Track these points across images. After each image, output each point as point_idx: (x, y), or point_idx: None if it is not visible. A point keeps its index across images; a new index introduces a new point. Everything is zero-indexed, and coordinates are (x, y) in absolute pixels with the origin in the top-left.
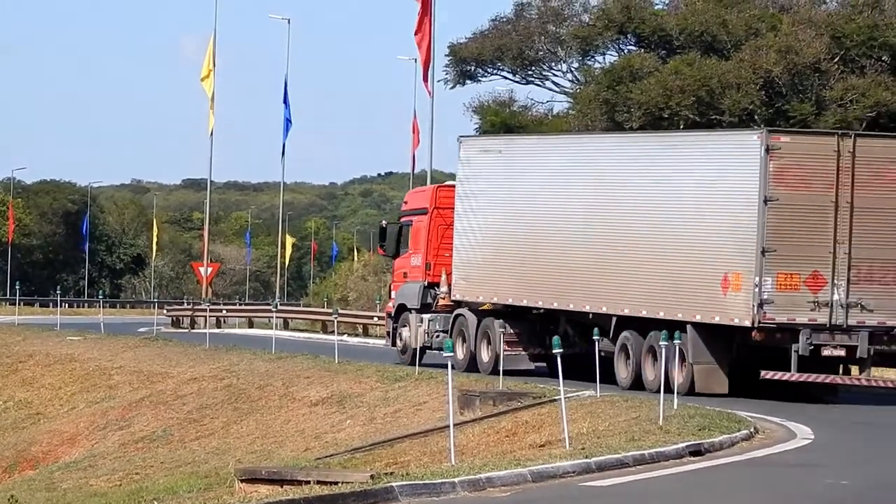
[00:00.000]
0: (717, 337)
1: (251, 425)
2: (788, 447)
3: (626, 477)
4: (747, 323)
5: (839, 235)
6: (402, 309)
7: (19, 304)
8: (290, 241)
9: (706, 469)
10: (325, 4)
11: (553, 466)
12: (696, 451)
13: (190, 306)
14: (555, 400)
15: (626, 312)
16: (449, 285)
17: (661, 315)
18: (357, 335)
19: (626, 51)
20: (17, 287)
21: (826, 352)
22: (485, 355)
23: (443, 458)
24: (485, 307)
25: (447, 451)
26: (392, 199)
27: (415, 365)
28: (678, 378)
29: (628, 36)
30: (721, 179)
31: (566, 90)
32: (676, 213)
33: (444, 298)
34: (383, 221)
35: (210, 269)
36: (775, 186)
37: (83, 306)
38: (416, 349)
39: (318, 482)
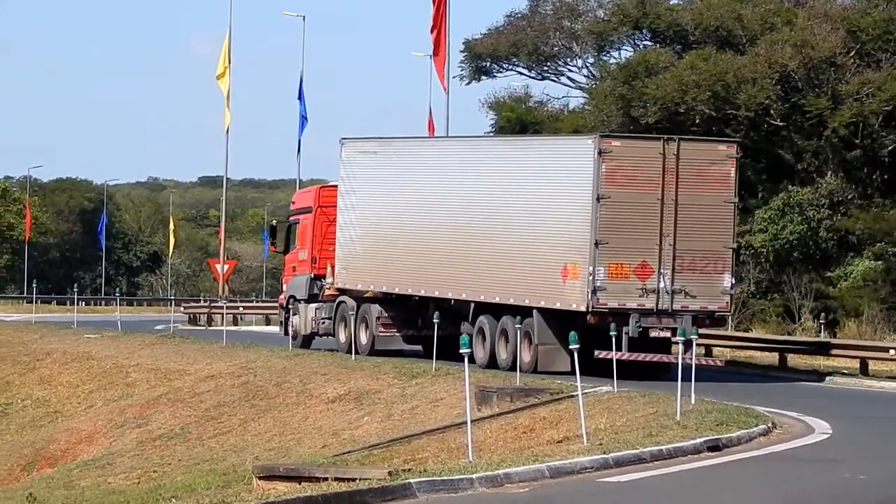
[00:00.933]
0: (559, 321)
1: (269, 422)
2: (806, 442)
3: (644, 472)
4: (583, 308)
5: (665, 229)
6: (292, 299)
7: (36, 303)
8: None
9: (724, 464)
10: (340, 1)
11: (571, 462)
12: (714, 447)
13: (207, 303)
14: (572, 396)
15: (483, 299)
16: (333, 276)
17: (511, 301)
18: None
19: (641, 46)
20: (34, 285)
21: (653, 333)
22: (363, 337)
23: (460, 454)
24: (367, 294)
25: (465, 447)
26: None
27: (307, 347)
28: (525, 357)
29: (644, 31)
30: (561, 179)
31: (582, 86)
32: (523, 210)
33: (329, 288)
34: (273, 221)
35: (227, 267)
36: (607, 185)
37: (100, 304)
38: (305, 335)
39: (336, 479)
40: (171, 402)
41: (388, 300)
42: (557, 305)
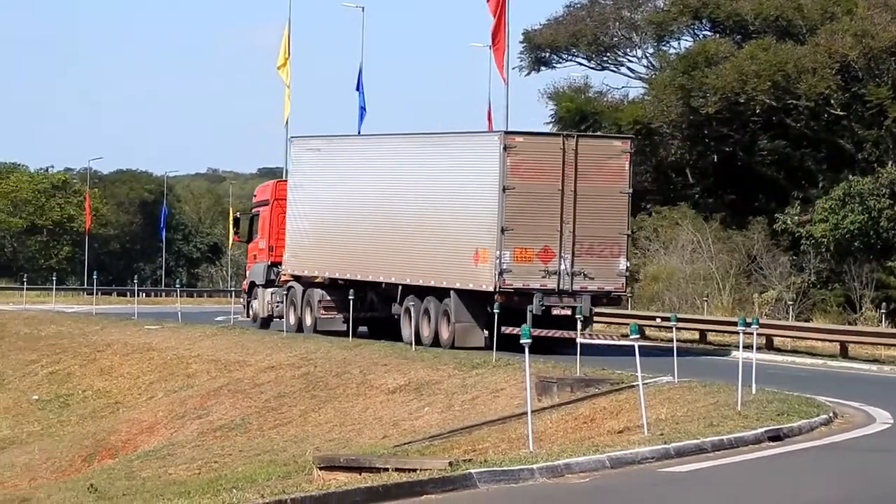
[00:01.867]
0: (473, 301)
1: (329, 413)
2: (867, 431)
3: (705, 463)
4: (491, 288)
5: (565, 217)
6: (252, 285)
7: (97, 294)
8: None
9: (785, 454)
10: None
11: (631, 452)
12: (775, 437)
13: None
14: (633, 386)
15: (409, 282)
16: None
17: (432, 283)
18: None
19: (701, 36)
20: (94, 277)
21: (555, 311)
22: (308, 319)
23: (521, 444)
24: (317, 279)
25: (525, 437)
26: None
27: (266, 328)
28: (444, 334)
29: (703, 21)
30: (472, 172)
31: (641, 76)
32: (441, 200)
33: (284, 275)
34: (237, 213)
35: None
36: (512, 177)
37: (160, 295)
38: (263, 317)
39: (397, 469)
40: (232, 393)
41: (330, 285)
42: (470, 286)
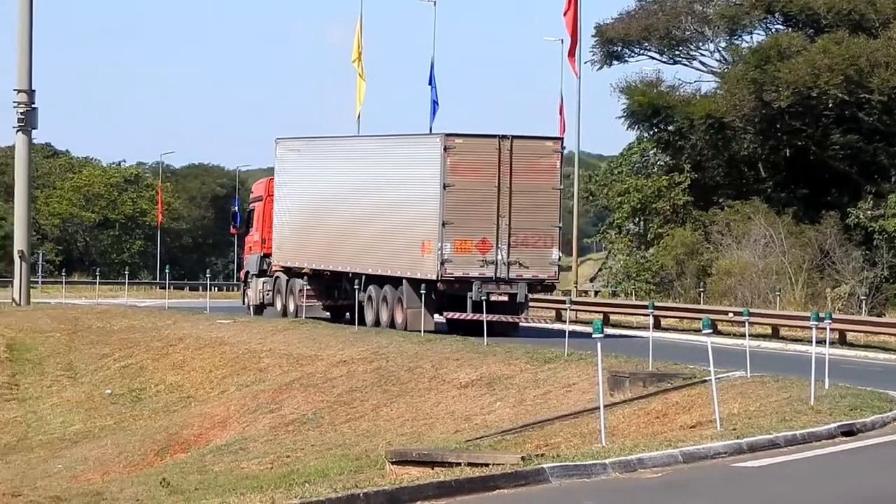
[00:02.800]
0: (420, 288)
1: (401, 408)
2: None
3: (778, 458)
4: (434, 277)
5: (501, 211)
6: (247, 274)
7: (169, 288)
8: None
9: (858, 449)
10: None
11: (704, 447)
12: (849, 432)
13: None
14: (705, 381)
15: (370, 272)
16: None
17: (388, 273)
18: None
19: (773, 30)
20: (166, 271)
21: (494, 297)
22: (291, 306)
23: (593, 439)
24: (304, 271)
25: (597, 432)
26: None
27: (260, 314)
28: (398, 318)
29: (776, 15)
30: (418, 171)
31: (713, 70)
32: (393, 197)
33: (274, 265)
34: (234, 207)
35: None
36: (451, 175)
37: (232, 290)
38: (255, 304)
39: (469, 464)
40: (304, 387)
41: (311, 275)
42: (419, 275)
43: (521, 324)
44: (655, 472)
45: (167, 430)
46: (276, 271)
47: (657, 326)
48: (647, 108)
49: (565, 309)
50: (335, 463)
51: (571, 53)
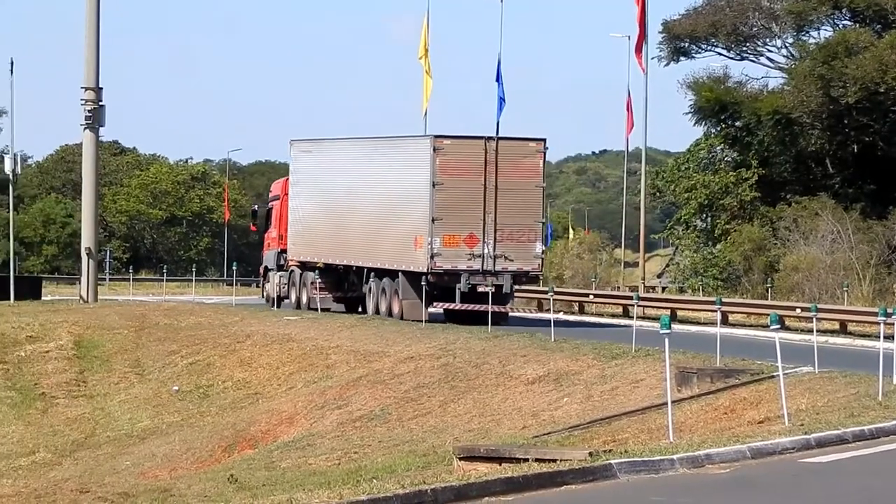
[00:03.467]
0: (416, 280)
1: (468, 403)
2: None
3: (847, 453)
4: (425, 270)
5: (487, 208)
6: (266, 269)
7: (236, 285)
8: None
9: None
10: None
11: (772, 443)
12: None
13: None
14: (773, 376)
15: (371, 265)
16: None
17: (387, 266)
18: (573, 313)
19: (840, 25)
20: (233, 268)
21: (480, 289)
22: (304, 298)
23: (661, 435)
24: (318, 265)
25: (665, 428)
26: (607, 177)
27: (278, 307)
28: (395, 309)
29: (843, 10)
30: (410, 171)
31: (781, 66)
32: (390, 195)
33: (290, 260)
34: (255, 206)
35: None
36: (440, 175)
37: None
38: (274, 297)
39: (537, 460)
40: (371, 383)
41: (322, 269)
42: (412, 268)
43: (505, 311)
44: (723, 468)
45: (234, 427)
46: (292, 266)
47: (725, 322)
48: (714, 104)
49: (633, 305)
50: (402, 459)
51: (638, 50)
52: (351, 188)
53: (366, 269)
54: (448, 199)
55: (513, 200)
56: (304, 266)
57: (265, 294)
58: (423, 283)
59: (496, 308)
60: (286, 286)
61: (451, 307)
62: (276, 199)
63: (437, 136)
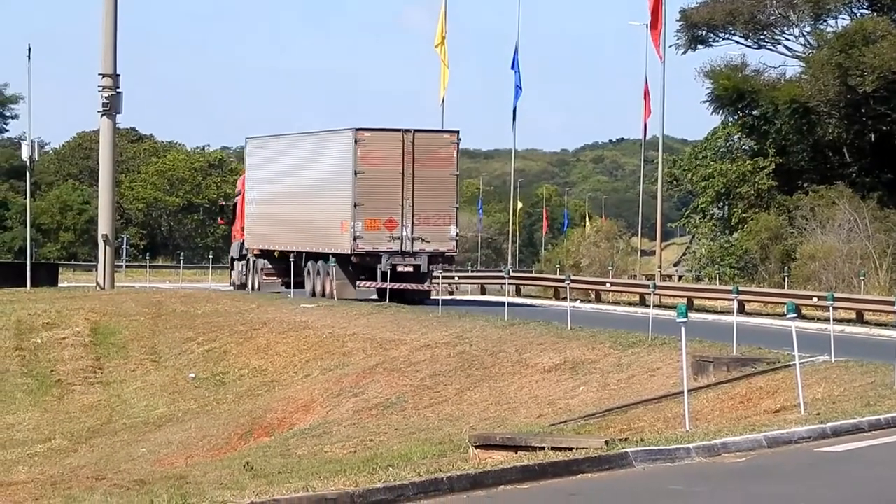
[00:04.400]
0: (345, 262)
1: (484, 392)
2: None
3: (862, 442)
4: (349, 251)
5: (405, 194)
6: (232, 259)
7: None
8: (521, 207)
9: None
10: None
11: (788, 432)
12: None
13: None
14: (789, 365)
15: (308, 250)
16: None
17: (319, 250)
18: (590, 301)
19: (858, 14)
20: None
21: (400, 268)
22: (256, 283)
23: (677, 424)
24: (274, 252)
25: (681, 417)
26: (624, 166)
27: (244, 290)
28: (327, 288)
29: None
30: (336, 161)
31: (798, 54)
32: (320, 184)
33: (250, 250)
34: (222, 202)
35: None
36: (361, 164)
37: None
38: (237, 284)
39: (553, 448)
40: (387, 371)
41: (271, 256)
42: (340, 251)
43: (423, 289)
44: (739, 456)
45: (251, 414)
46: (251, 255)
47: (741, 311)
48: (731, 92)
49: (649, 294)
50: (418, 447)
51: (656, 38)
52: (291, 180)
53: (304, 254)
54: (369, 187)
55: (429, 187)
56: (262, 254)
57: (231, 281)
58: (348, 263)
59: (417, 286)
60: (244, 274)
61: (374, 286)
62: (239, 195)
63: (357, 129)
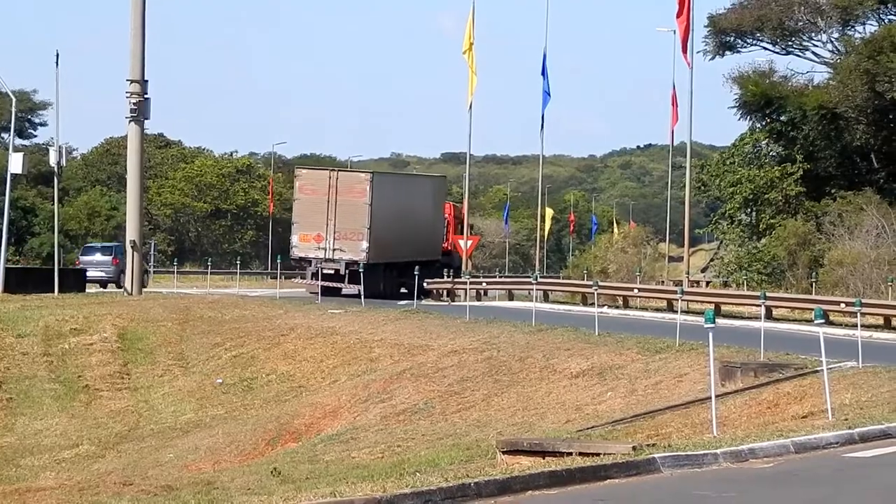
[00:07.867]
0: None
1: (512, 397)
2: None
3: (891, 448)
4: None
5: (330, 216)
6: None
7: (280, 278)
8: (549, 213)
9: None
10: None
11: (816, 437)
12: None
13: (450, 279)
14: (817, 371)
15: None
16: None
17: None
18: (617, 307)
19: (886, 20)
20: (278, 261)
21: (326, 271)
22: None
23: (704, 429)
24: None
25: (709, 422)
26: (651, 172)
27: None
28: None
29: (889, 5)
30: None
31: (826, 60)
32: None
33: None
34: None
35: (470, 242)
36: (299, 194)
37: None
38: None
39: (580, 454)
40: (415, 377)
41: None
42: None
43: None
44: (767, 462)
45: (278, 420)
46: None
47: (769, 317)
48: (759, 98)
49: (677, 299)
50: (446, 452)
51: (684, 44)
52: None
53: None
54: (305, 211)
55: (347, 212)
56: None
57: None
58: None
59: (340, 285)
60: None
61: (310, 283)
62: None
63: (297, 167)
